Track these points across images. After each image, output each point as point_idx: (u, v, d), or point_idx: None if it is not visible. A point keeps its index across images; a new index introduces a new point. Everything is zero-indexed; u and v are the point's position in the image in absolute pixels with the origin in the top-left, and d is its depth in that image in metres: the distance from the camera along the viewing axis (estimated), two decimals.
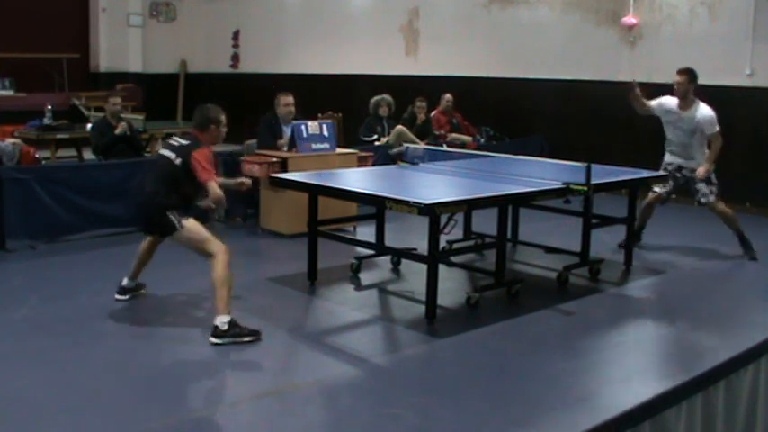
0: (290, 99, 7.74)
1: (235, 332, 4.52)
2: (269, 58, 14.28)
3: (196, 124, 5.00)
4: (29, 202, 6.58)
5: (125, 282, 5.28)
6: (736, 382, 4.34)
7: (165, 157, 4.94)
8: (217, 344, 4.48)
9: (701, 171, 6.69)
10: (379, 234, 6.02)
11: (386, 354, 4.57)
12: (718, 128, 6.71)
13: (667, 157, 6.98)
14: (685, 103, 6.77)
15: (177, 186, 4.85)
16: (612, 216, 6.42)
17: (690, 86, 6.76)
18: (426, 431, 3.58)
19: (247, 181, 5.48)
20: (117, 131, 8.11)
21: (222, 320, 4.53)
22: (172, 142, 5.04)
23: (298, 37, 13.91)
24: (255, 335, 4.57)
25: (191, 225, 4.80)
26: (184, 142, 4.95)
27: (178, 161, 4.84)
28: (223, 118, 5.01)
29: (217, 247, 4.72)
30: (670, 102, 6.86)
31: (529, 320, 5.10)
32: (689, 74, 6.78)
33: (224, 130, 5.04)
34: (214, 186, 4.82)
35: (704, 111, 6.73)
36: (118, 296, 5.24)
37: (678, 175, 6.90)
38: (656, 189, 6.97)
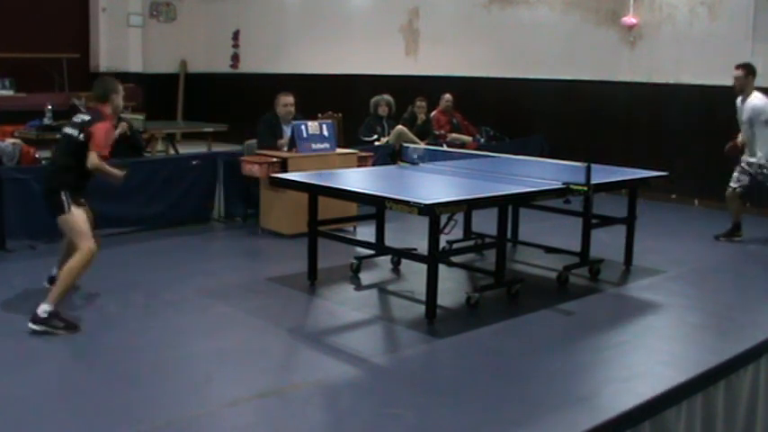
0: (291, 99, 7.74)
1: (53, 323, 4.57)
2: (269, 58, 14.28)
3: (97, 96, 5.05)
4: (29, 202, 6.57)
5: (54, 272, 5.26)
6: (736, 382, 4.34)
7: (68, 134, 4.97)
8: (34, 330, 4.54)
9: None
10: (379, 234, 6.02)
11: (386, 354, 4.56)
12: None
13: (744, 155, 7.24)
14: (744, 97, 7.05)
15: (78, 164, 4.87)
16: (612, 216, 6.42)
17: (746, 81, 7.01)
18: (426, 431, 3.58)
19: (123, 174, 5.27)
20: (117, 131, 8.11)
21: (45, 309, 4.58)
22: (75, 119, 5.05)
23: (298, 37, 13.91)
24: (73, 328, 4.62)
25: (77, 213, 4.90)
26: (86, 117, 4.97)
27: (81, 136, 4.87)
28: (120, 88, 5.14)
29: (88, 245, 4.83)
30: (739, 100, 7.15)
31: (529, 320, 5.10)
32: (745, 68, 7.06)
33: (122, 98, 5.18)
34: (94, 156, 4.83)
35: (754, 100, 6.97)
36: (47, 284, 5.22)
37: (750, 170, 7.15)
38: (731, 184, 7.24)
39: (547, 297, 5.55)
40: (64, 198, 4.86)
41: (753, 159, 7.11)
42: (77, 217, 4.90)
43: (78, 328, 4.65)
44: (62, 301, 4.73)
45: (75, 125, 4.96)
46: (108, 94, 5.03)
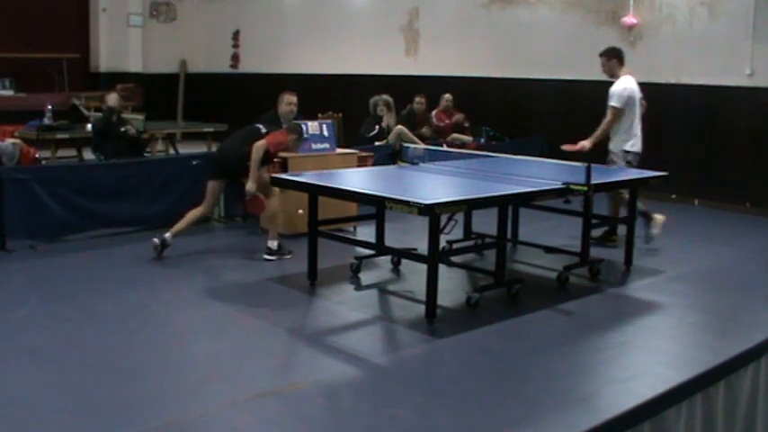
0: (294, 98, 7.72)
1: (282, 251, 6.27)
2: (269, 58, 14.29)
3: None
4: (29, 202, 6.58)
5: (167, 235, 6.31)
6: (736, 382, 4.34)
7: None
8: (268, 259, 6.22)
9: (584, 144, 6.83)
10: (379, 234, 6.02)
11: (386, 354, 4.57)
12: (615, 103, 6.84)
13: None
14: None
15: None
16: (612, 216, 6.42)
17: (610, 65, 7.02)
18: (426, 431, 3.58)
19: (254, 184, 6.23)
20: (125, 129, 8.20)
21: (273, 243, 6.15)
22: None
23: (298, 37, 13.91)
24: (290, 253, 6.16)
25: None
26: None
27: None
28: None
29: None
30: None
31: (529, 320, 5.10)
32: (605, 54, 7.09)
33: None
34: (260, 144, 6.23)
35: (613, 85, 6.91)
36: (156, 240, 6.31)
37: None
38: None
39: (547, 297, 5.55)
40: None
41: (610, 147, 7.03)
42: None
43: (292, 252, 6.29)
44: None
45: (262, 121, 6.64)
46: (293, 132, 6.54)
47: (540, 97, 10.74)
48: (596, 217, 6.18)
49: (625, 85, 6.90)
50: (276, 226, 6.47)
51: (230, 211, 7.83)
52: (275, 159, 6.73)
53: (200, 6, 15.58)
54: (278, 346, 4.63)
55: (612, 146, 7.00)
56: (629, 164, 6.84)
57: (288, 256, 6.36)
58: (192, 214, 6.50)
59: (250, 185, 6.22)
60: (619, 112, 6.84)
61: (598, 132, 6.88)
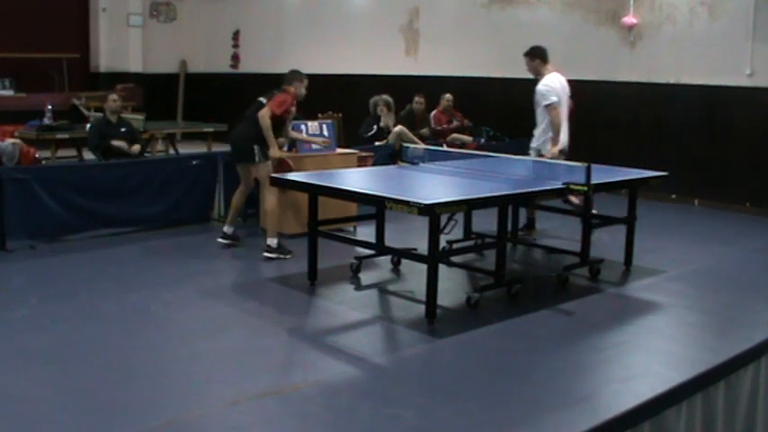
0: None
1: (280, 251, 6.31)
2: (269, 58, 14.28)
3: (285, 81, 6.58)
4: (29, 202, 6.58)
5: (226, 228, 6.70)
6: (736, 382, 4.34)
7: (260, 101, 6.52)
8: (269, 257, 6.30)
9: (553, 151, 6.77)
10: (379, 234, 6.02)
11: (386, 354, 4.57)
12: (550, 101, 6.88)
13: None
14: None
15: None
16: (612, 216, 6.42)
17: (534, 65, 7.11)
18: (426, 431, 3.58)
19: (277, 150, 6.54)
20: (128, 149, 8.08)
21: (272, 241, 6.27)
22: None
23: (298, 37, 13.91)
24: (290, 252, 6.20)
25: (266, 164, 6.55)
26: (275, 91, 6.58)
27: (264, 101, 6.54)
28: (304, 78, 6.63)
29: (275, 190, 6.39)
30: None
31: (529, 320, 5.10)
32: (528, 54, 7.22)
33: (304, 86, 6.62)
34: (265, 111, 6.38)
35: (540, 83, 6.96)
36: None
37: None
38: None
39: (547, 297, 5.55)
40: (256, 150, 6.39)
41: (534, 144, 7.08)
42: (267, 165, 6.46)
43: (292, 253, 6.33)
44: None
45: (264, 95, 6.50)
46: (292, 81, 6.56)
47: None
48: (596, 217, 6.18)
49: (547, 83, 7.00)
50: (274, 224, 6.48)
51: None
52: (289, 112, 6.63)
53: (200, 6, 15.57)
54: (278, 346, 4.63)
55: (538, 144, 7.05)
56: None
57: (288, 256, 6.35)
58: (236, 199, 6.79)
59: (273, 152, 6.41)
60: (558, 107, 6.89)
61: (553, 135, 6.91)
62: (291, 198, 6.87)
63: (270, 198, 6.44)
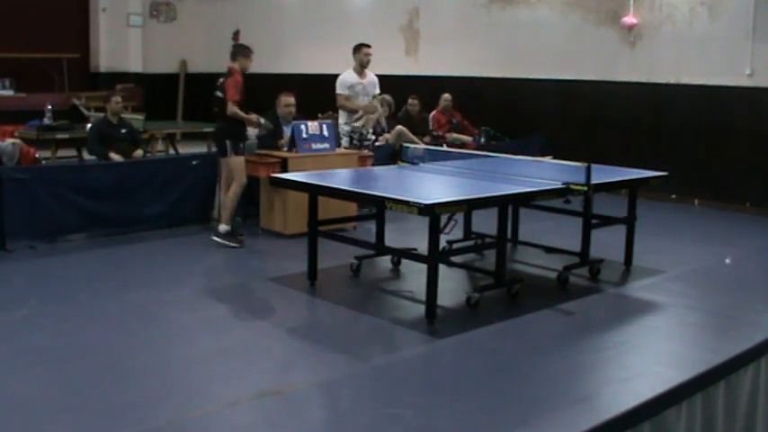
0: (292, 99, 7.77)
1: (228, 239, 6.53)
2: (269, 58, 14.24)
3: (230, 56, 6.99)
4: (29, 202, 6.58)
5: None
6: (736, 382, 4.34)
7: (216, 96, 6.80)
8: (217, 242, 6.55)
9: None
10: (379, 234, 6.02)
11: (386, 354, 4.57)
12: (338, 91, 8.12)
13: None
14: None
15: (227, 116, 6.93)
16: (612, 216, 6.42)
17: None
18: (426, 431, 3.58)
19: (257, 119, 6.97)
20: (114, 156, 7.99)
21: (223, 228, 6.47)
22: (217, 83, 6.87)
23: (298, 37, 13.91)
24: (240, 244, 6.41)
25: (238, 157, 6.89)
26: (221, 79, 6.87)
27: (220, 94, 6.92)
28: (250, 52, 6.98)
29: (243, 179, 6.75)
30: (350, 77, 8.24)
31: (529, 320, 5.10)
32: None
33: (250, 61, 6.94)
34: (230, 106, 6.79)
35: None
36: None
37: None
38: None
39: (547, 297, 5.55)
40: (228, 145, 6.68)
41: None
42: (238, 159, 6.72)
43: (243, 245, 6.59)
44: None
45: (216, 87, 6.71)
46: (236, 56, 6.81)
47: (540, 97, 10.73)
48: (596, 217, 6.18)
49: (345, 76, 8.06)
50: (230, 211, 6.77)
51: None
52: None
53: (200, 6, 15.56)
54: (278, 346, 4.63)
55: (348, 128, 8.05)
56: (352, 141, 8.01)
57: (235, 245, 6.65)
58: (229, 197, 6.85)
59: (251, 131, 6.88)
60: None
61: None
62: (292, 198, 6.86)
63: (233, 188, 6.77)
